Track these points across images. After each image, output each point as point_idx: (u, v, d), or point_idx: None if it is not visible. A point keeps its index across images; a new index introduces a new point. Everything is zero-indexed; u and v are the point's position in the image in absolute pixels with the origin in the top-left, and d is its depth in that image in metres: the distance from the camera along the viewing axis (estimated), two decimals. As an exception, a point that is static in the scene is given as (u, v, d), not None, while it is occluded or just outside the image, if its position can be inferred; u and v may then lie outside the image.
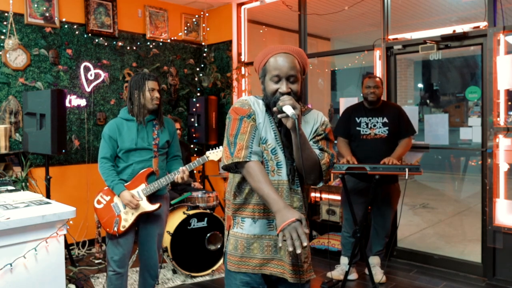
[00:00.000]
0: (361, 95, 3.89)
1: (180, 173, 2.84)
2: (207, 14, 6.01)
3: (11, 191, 2.73)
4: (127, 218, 2.85)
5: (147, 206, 2.86)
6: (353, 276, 3.92)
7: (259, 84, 1.85)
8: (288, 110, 1.61)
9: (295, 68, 1.73)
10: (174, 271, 4.08)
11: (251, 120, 1.75)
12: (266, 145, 1.77)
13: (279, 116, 1.65)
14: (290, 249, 1.48)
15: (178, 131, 4.50)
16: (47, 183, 4.00)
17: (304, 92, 5.33)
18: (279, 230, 1.53)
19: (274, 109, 1.70)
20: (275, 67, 1.73)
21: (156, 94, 2.85)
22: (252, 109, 1.78)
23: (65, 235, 2.28)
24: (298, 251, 1.47)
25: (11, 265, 2.04)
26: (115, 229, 2.82)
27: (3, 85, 4.33)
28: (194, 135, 5.72)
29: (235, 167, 1.74)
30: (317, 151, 1.78)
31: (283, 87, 1.71)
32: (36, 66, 4.54)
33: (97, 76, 4.98)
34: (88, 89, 4.91)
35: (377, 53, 4.53)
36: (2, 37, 4.29)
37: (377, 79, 3.77)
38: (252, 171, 1.66)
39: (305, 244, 1.48)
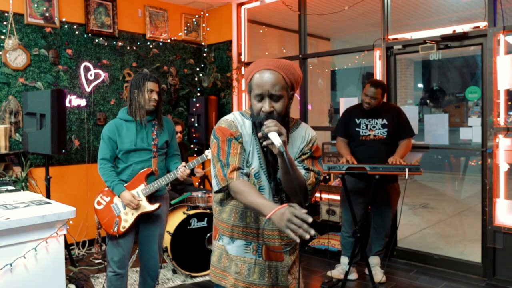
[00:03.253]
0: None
1: (179, 172, 2.84)
2: (207, 14, 6.01)
3: (11, 191, 2.73)
4: (127, 219, 2.85)
5: (147, 206, 2.86)
6: (353, 276, 3.92)
7: None
8: (275, 139, 1.53)
9: (278, 86, 1.64)
10: (174, 271, 4.08)
11: (239, 143, 1.72)
12: (250, 169, 1.73)
13: (264, 143, 1.58)
14: (298, 240, 1.37)
15: (180, 134, 4.52)
16: (47, 183, 4.00)
17: (304, 92, 5.33)
18: (269, 216, 1.46)
19: (259, 134, 1.62)
20: (258, 84, 1.66)
21: (154, 96, 2.84)
22: (239, 132, 1.73)
23: (65, 235, 2.28)
24: (307, 236, 1.36)
25: (11, 265, 2.04)
26: (115, 229, 2.82)
27: (3, 85, 4.33)
28: (194, 135, 5.72)
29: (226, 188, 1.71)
30: (303, 171, 1.74)
31: (265, 106, 1.64)
32: (36, 66, 4.54)
33: (97, 76, 4.98)
34: (88, 89, 4.91)
35: (377, 53, 4.52)
36: (2, 37, 4.29)
37: (379, 89, 3.70)
38: (238, 189, 1.62)
39: (310, 220, 1.36)
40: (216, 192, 1.75)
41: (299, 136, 1.79)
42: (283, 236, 1.75)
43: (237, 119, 1.76)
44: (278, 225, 1.43)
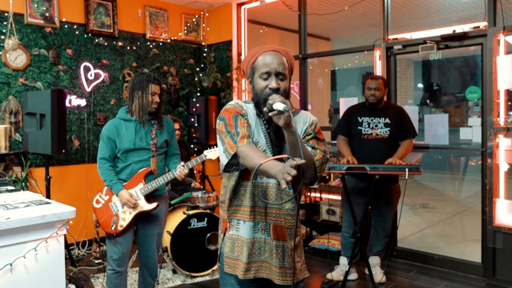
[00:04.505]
0: (363, 95, 3.88)
1: (178, 171, 2.85)
2: (207, 14, 6.01)
3: (11, 191, 2.73)
4: (125, 217, 2.85)
5: (145, 205, 2.86)
6: (353, 276, 3.92)
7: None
8: (280, 106, 1.57)
9: (283, 66, 1.75)
10: (174, 271, 4.08)
11: (245, 119, 1.77)
12: (257, 147, 1.77)
13: (270, 114, 1.60)
14: (284, 185, 1.38)
15: (178, 131, 4.52)
16: (47, 183, 4.00)
17: (304, 92, 5.33)
18: (263, 162, 1.48)
19: (265, 109, 1.66)
20: (264, 63, 1.75)
21: (157, 99, 2.86)
22: (244, 110, 1.80)
23: (65, 235, 2.28)
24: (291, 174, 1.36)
25: (11, 265, 2.04)
26: (113, 228, 2.83)
27: (3, 85, 4.33)
28: (194, 135, 5.72)
29: (235, 160, 1.71)
30: (309, 149, 1.78)
31: (272, 83, 1.73)
32: (36, 66, 4.54)
33: (97, 76, 4.98)
34: (88, 89, 4.91)
35: (377, 53, 4.52)
36: (2, 37, 4.29)
37: (380, 80, 3.74)
38: (245, 153, 1.63)
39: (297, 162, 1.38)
40: (224, 169, 1.74)
41: (301, 120, 1.85)
42: (286, 219, 1.79)
43: (240, 102, 1.84)
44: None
